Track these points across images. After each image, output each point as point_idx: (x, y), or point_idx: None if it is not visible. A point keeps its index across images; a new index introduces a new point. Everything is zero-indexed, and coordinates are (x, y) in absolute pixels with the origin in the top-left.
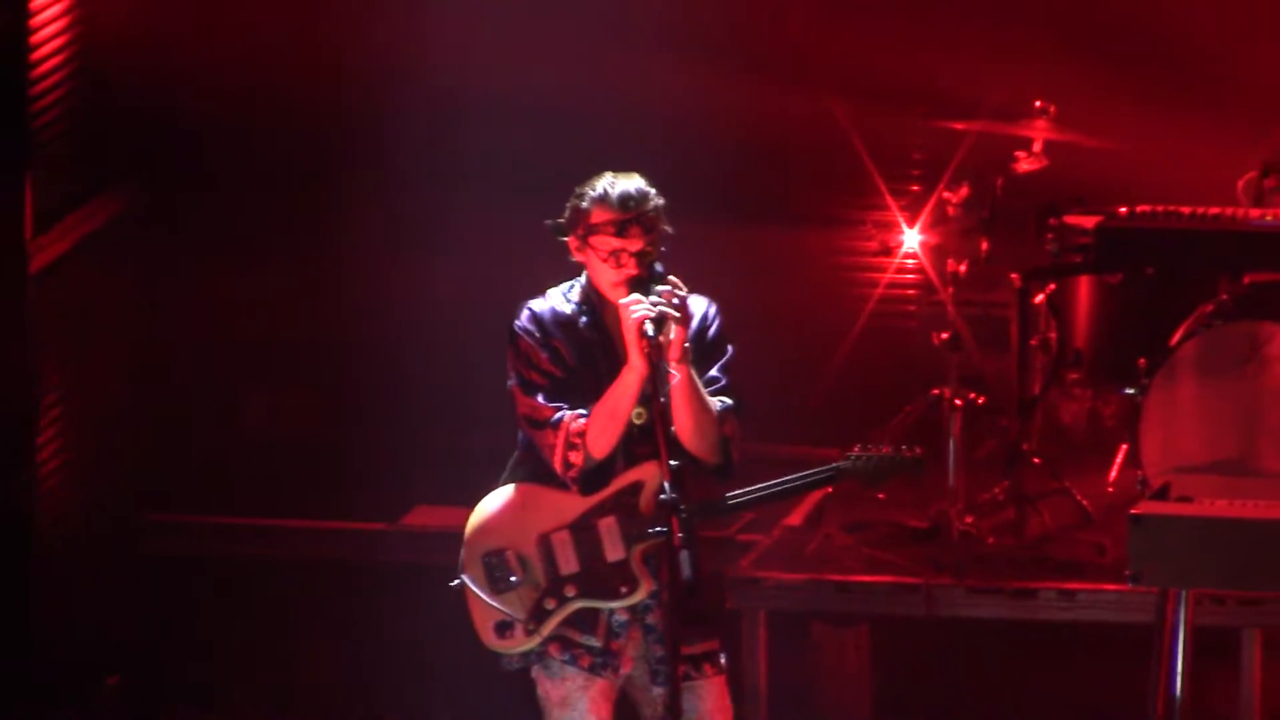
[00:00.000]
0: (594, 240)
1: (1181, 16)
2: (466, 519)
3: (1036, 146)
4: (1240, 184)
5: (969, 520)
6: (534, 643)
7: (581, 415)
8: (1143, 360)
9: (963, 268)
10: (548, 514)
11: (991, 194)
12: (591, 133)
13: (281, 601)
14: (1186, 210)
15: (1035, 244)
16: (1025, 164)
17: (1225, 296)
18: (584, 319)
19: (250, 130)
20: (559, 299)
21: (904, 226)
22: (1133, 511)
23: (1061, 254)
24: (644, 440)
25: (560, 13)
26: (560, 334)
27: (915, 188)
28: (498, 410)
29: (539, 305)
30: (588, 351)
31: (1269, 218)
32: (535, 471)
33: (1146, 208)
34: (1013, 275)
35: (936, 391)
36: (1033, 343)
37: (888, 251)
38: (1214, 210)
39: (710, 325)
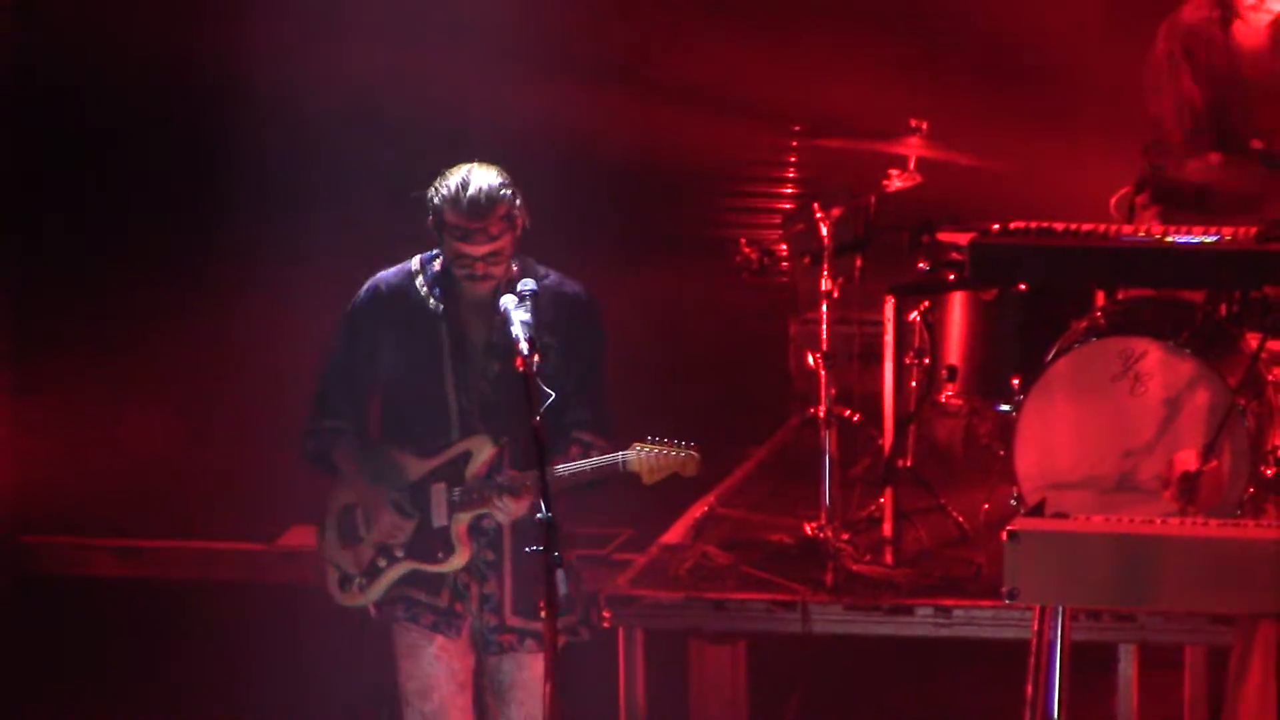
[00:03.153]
0: (445, 237)
1: (1054, 34)
2: None
3: (910, 164)
4: (1113, 200)
5: (845, 537)
6: (368, 598)
7: (342, 433)
8: (1017, 377)
9: (836, 286)
10: (394, 475)
11: (865, 212)
12: (469, 151)
13: (159, 622)
14: (1060, 226)
15: (909, 261)
16: (898, 181)
17: (1098, 313)
18: (433, 301)
19: (117, 145)
20: (413, 274)
21: (776, 246)
22: (1009, 528)
23: (935, 270)
24: (480, 415)
25: (439, 33)
26: (399, 316)
27: (788, 206)
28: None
29: (386, 283)
30: (430, 330)
31: (1141, 233)
32: (385, 430)
33: (1020, 224)
34: (887, 293)
35: (812, 410)
36: (907, 360)
37: (763, 271)
38: (1087, 226)
39: (581, 317)
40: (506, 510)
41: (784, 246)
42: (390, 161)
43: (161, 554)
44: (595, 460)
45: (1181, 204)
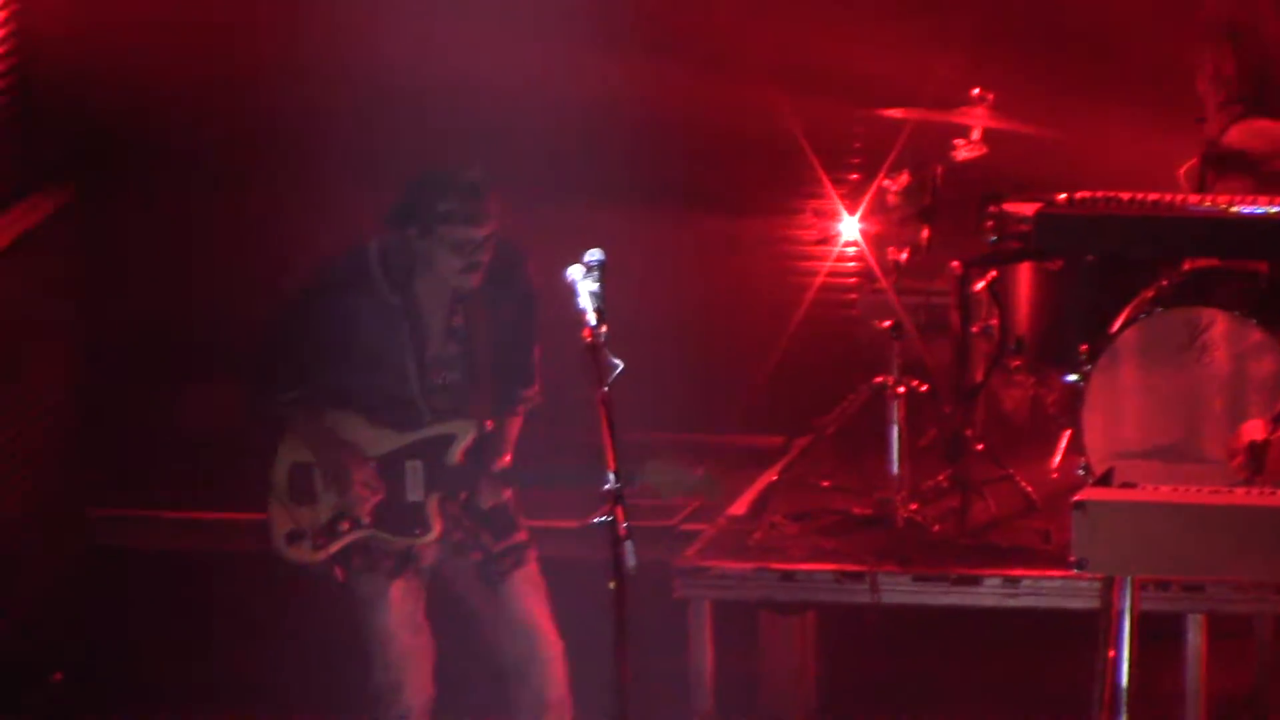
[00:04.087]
0: (444, 230)
1: (1123, 3)
2: None
3: (975, 134)
4: (1182, 171)
5: (913, 508)
6: (318, 558)
7: (302, 401)
8: (1084, 347)
9: (903, 256)
10: (362, 443)
11: (931, 182)
12: (530, 126)
13: (223, 595)
14: (1127, 196)
15: (976, 231)
16: (964, 152)
17: (1166, 283)
18: (390, 292)
19: (183, 128)
20: (369, 265)
21: (844, 214)
22: (1076, 498)
23: (1002, 241)
24: (446, 399)
25: (491, 7)
26: (357, 307)
27: (855, 176)
28: None
29: (342, 272)
30: (389, 323)
31: (1209, 204)
32: (350, 402)
33: (1087, 194)
34: (953, 263)
35: (879, 380)
36: (974, 330)
37: (827, 240)
38: (1154, 196)
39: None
40: (496, 499)
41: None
42: (458, 142)
43: (227, 526)
44: (586, 466)
45: (1238, 174)
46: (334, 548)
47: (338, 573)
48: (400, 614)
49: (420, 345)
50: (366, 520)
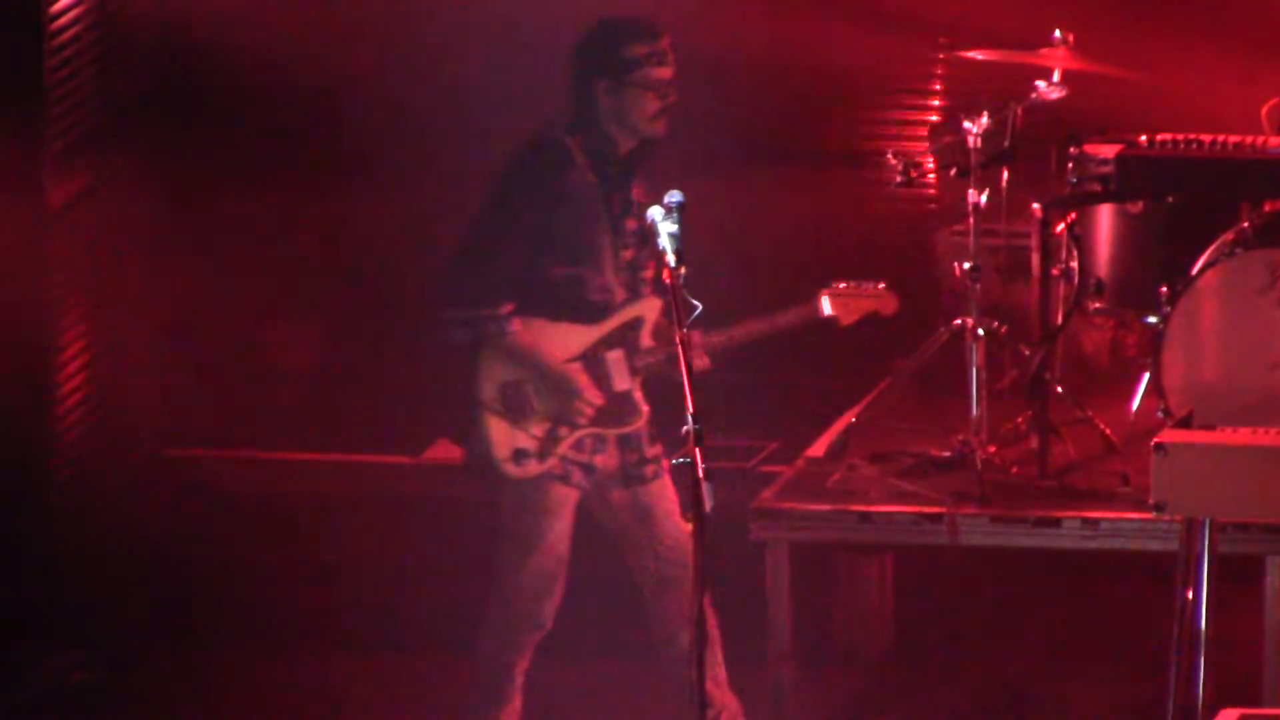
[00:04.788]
0: (636, 76)
1: None
2: None
3: (1056, 76)
4: (1264, 111)
5: (992, 450)
6: (544, 468)
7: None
8: (1164, 289)
9: (983, 198)
10: (559, 346)
11: (1011, 124)
12: None
13: (308, 535)
14: (1208, 138)
15: (1056, 174)
16: (1045, 93)
17: (1246, 224)
18: (589, 167)
19: (260, 67)
20: (562, 140)
21: (923, 157)
22: (1156, 440)
23: (1082, 183)
24: (632, 277)
25: None
26: (558, 184)
27: (935, 118)
28: None
29: (539, 151)
30: (587, 197)
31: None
32: (539, 304)
33: (1167, 136)
34: (1033, 205)
35: (959, 322)
36: (1054, 272)
37: (910, 182)
38: (1235, 138)
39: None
40: (701, 366)
41: (931, 158)
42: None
43: (303, 466)
44: (793, 312)
45: None
46: (553, 456)
47: (561, 482)
48: (567, 527)
49: (613, 220)
50: (582, 421)
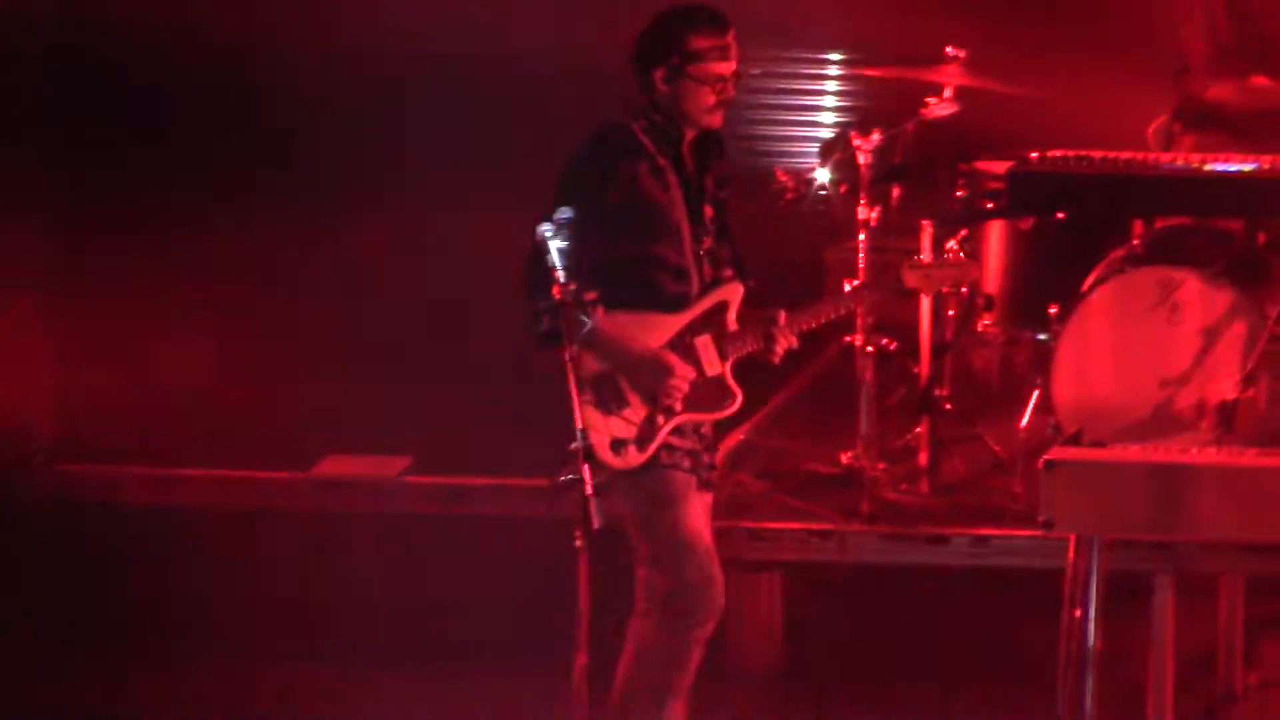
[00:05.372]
0: (694, 69)
1: None
2: (378, 468)
3: (947, 92)
4: (1151, 129)
5: (881, 467)
6: (645, 455)
7: (596, 304)
8: (1054, 306)
9: (874, 214)
10: (646, 334)
11: (903, 140)
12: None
13: (192, 549)
14: (1098, 155)
15: (947, 190)
16: (936, 110)
17: (1136, 242)
18: (662, 159)
19: (171, 67)
20: (632, 128)
21: (815, 172)
22: (1045, 458)
23: (973, 199)
24: (722, 267)
25: None
26: (639, 171)
27: (826, 133)
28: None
29: (618, 140)
30: (664, 184)
31: (1180, 162)
32: (621, 293)
33: (1058, 153)
34: (924, 221)
35: (848, 338)
36: (944, 289)
37: (798, 199)
38: (1125, 155)
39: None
40: (788, 344)
41: (821, 174)
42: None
43: (195, 482)
44: (877, 289)
45: (1217, 131)
46: (656, 443)
47: (674, 469)
48: (699, 511)
49: (695, 210)
50: (679, 408)
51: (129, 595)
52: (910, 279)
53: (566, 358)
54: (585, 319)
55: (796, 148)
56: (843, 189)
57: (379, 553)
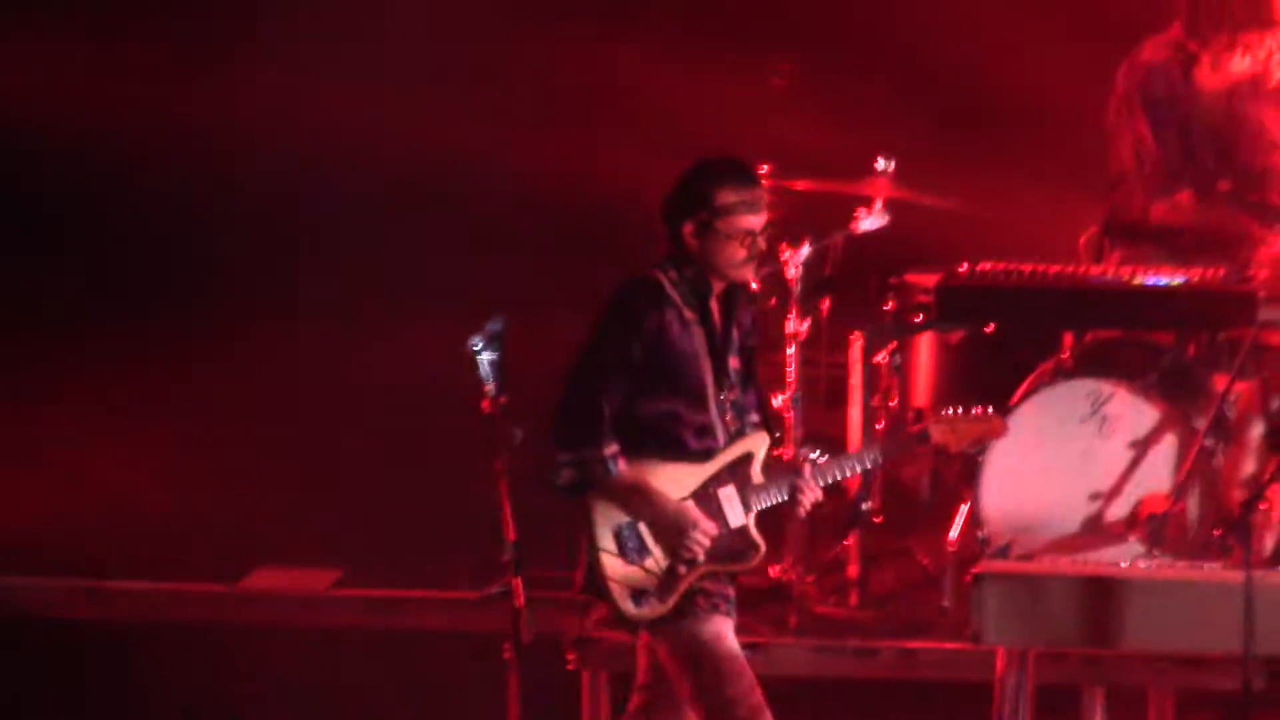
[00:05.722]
0: (723, 224)
1: (1023, 75)
2: (308, 581)
3: (877, 205)
4: (1082, 241)
5: (811, 580)
6: (667, 607)
7: (618, 457)
8: None
9: (804, 327)
10: (669, 485)
11: (832, 253)
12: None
13: (122, 662)
14: (1027, 268)
15: (876, 303)
16: (866, 222)
17: (1066, 354)
18: (688, 305)
19: (79, 182)
20: (661, 282)
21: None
22: (974, 570)
23: (902, 312)
24: (748, 418)
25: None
26: (665, 326)
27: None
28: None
29: (646, 294)
30: (690, 337)
31: (1109, 274)
32: (644, 444)
33: (987, 265)
34: (854, 334)
35: (778, 452)
36: (874, 402)
37: None
38: (1055, 268)
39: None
40: (814, 498)
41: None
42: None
43: (125, 595)
44: (903, 438)
45: (1146, 245)
46: (676, 594)
47: (675, 627)
48: (736, 644)
49: (720, 362)
50: (702, 559)
51: (51, 710)
52: (936, 433)
53: (497, 469)
54: (609, 471)
55: None
56: (772, 302)
57: (308, 666)
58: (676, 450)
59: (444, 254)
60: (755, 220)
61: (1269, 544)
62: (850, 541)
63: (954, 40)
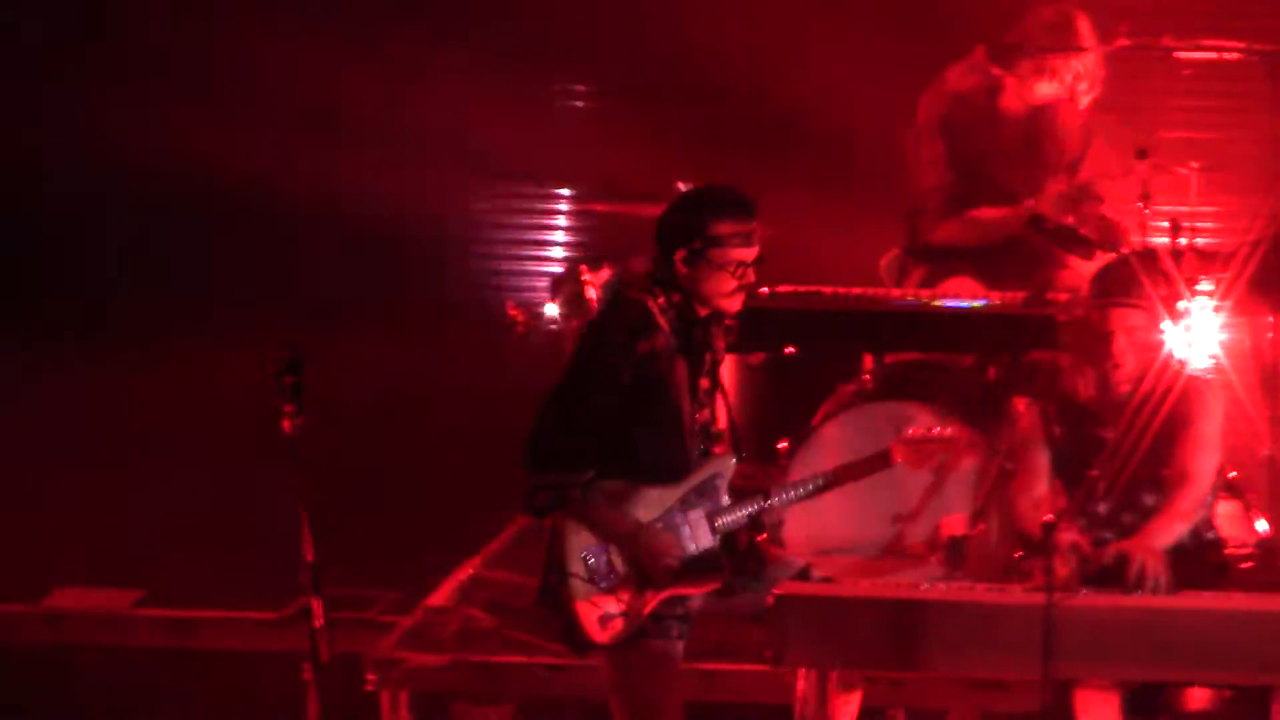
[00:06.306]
0: (715, 254)
1: (826, 99)
2: (110, 601)
3: None
4: (883, 263)
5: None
6: (630, 630)
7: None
8: (784, 442)
9: None
10: (640, 508)
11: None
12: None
13: None
14: (828, 290)
15: None
16: None
17: (867, 376)
18: (674, 339)
19: None
20: (650, 307)
21: (545, 306)
22: (775, 592)
23: None
24: (715, 439)
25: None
26: (650, 350)
27: (558, 268)
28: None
29: (634, 317)
30: (671, 361)
31: (909, 297)
32: (617, 467)
33: (788, 288)
34: None
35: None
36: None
37: (530, 333)
38: (855, 290)
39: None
40: (774, 518)
41: (552, 309)
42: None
43: None
44: (863, 465)
45: (944, 265)
46: (640, 619)
47: (663, 638)
48: (677, 684)
49: (694, 384)
50: (666, 581)
51: None
52: (899, 453)
53: (294, 488)
54: (586, 497)
55: (528, 282)
56: (573, 323)
57: (109, 687)
58: (650, 474)
59: (237, 273)
60: (747, 253)
61: (1068, 567)
62: None
63: (754, 64)
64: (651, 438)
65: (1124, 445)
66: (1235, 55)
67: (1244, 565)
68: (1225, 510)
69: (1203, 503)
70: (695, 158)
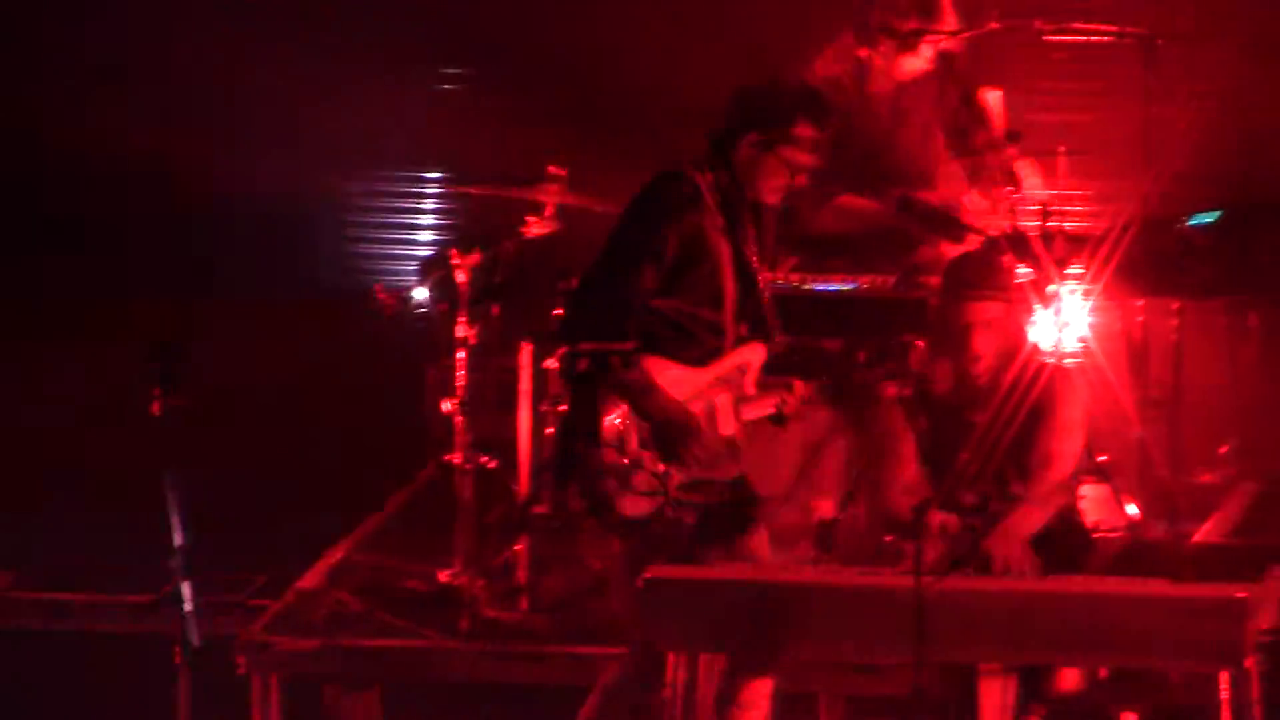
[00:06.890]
0: (788, 151)
1: (698, 83)
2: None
3: (548, 211)
4: None
5: (481, 584)
6: (650, 510)
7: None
8: None
9: (474, 332)
10: (674, 386)
11: (503, 258)
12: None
13: None
14: None
15: (546, 308)
16: (537, 228)
17: None
18: (720, 218)
19: None
20: (698, 187)
21: (414, 290)
22: (645, 575)
23: None
24: (757, 323)
25: None
26: (696, 230)
27: (427, 251)
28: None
29: (694, 183)
30: (716, 244)
31: (780, 281)
32: (657, 341)
33: None
34: (523, 340)
35: (448, 457)
36: (543, 407)
37: (398, 316)
38: None
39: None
40: (797, 405)
41: (421, 292)
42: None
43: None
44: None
45: (817, 252)
46: (661, 496)
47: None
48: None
49: (738, 266)
50: (692, 462)
51: None
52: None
53: (167, 472)
54: (628, 365)
55: (396, 265)
56: (442, 307)
57: None
58: (685, 351)
59: (108, 257)
60: (813, 159)
61: (937, 550)
62: (520, 546)
63: (624, 50)
64: (691, 314)
65: (990, 432)
66: (1105, 39)
67: (1112, 549)
68: (1094, 494)
69: (1064, 486)
70: (566, 141)
